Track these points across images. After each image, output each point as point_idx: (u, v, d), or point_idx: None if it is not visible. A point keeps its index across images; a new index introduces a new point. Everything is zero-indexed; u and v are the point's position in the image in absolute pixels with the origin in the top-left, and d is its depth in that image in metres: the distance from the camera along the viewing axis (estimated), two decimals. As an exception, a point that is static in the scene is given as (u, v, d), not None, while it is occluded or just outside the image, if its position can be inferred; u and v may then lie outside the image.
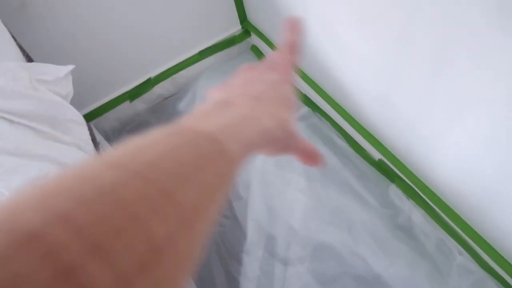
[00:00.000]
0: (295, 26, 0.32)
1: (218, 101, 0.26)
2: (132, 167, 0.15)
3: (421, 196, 0.94)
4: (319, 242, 0.96)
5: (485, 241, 0.83)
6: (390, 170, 1.00)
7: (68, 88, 0.75)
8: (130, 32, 1.15)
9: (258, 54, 1.38)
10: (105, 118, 1.25)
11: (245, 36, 1.38)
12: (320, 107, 1.19)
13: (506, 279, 0.83)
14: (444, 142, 0.80)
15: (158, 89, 1.32)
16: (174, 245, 0.14)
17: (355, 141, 1.09)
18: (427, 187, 0.92)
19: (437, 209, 0.91)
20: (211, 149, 0.19)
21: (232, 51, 1.39)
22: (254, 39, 1.38)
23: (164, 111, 1.30)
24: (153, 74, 1.29)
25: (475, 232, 0.85)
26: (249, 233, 1.00)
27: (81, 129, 0.76)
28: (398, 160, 0.96)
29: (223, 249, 0.99)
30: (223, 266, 0.97)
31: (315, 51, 1.02)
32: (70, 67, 0.75)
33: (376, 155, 1.03)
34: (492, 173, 0.74)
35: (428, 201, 0.92)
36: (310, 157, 0.30)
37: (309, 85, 1.16)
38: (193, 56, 1.33)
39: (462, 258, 0.89)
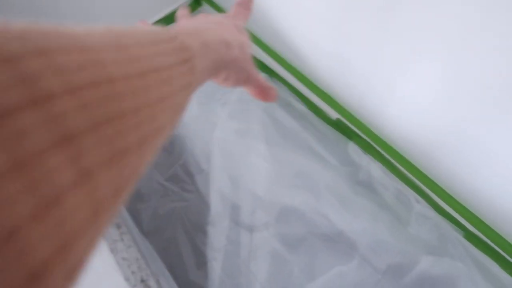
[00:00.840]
0: None
1: (184, 21, 0.29)
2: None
3: (378, 151, 0.95)
4: (283, 206, 0.97)
5: (439, 187, 0.86)
6: (348, 128, 1.01)
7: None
8: (70, 16, 1.08)
9: (211, 23, 1.33)
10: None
11: (196, 6, 1.33)
12: (277, 72, 1.17)
13: (460, 220, 0.86)
14: (396, 94, 0.81)
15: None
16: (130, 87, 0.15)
17: (313, 103, 1.09)
18: (383, 141, 0.93)
19: (393, 161, 0.93)
20: (171, 41, 0.20)
21: (184, 23, 1.34)
22: (206, 8, 1.33)
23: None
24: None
25: (430, 180, 0.87)
26: (213, 205, 1.00)
27: None
28: (355, 118, 0.97)
29: (188, 224, 0.99)
30: (189, 240, 0.96)
31: (268, 16, 1.00)
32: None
33: (334, 114, 1.04)
34: (442, 120, 0.75)
35: (385, 154, 0.94)
36: (265, 91, 0.33)
37: (265, 51, 1.13)
38: (143, 31, 1.27)
39: (419, 206, 0.91)
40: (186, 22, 0.28)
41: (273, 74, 1.18)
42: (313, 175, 0.99)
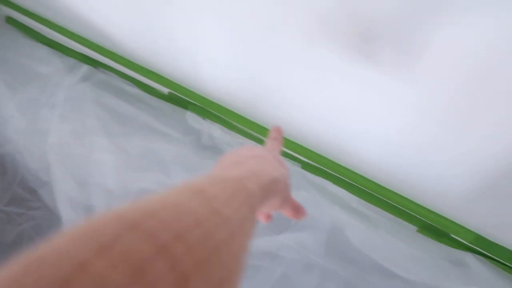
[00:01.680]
0: (279, 132, 0.45)
1: (232, 161, 0.32)
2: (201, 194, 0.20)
3: (212, 113, 0.99)
4: (137, 191, 0.96)
5: (266, 129, 0.93)
6: (181, 99, 1.02)
7: None
8: None
9: (17, 25, 1.20)
10: None
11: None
12: (101, 61, 1.12)
13: (295, 155, 0.95)
14: (199, 57, 0.84)
15: None
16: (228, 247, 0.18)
17: (143, 83, 1.07)
18: (214, 103, 0.96)
19: (227, 119, 0.97)
20: (242, 190, 0.24)
21: (-16, 30, 1.19)
22: (4, 10, 1.19)
23: None
24: None
25: (262, 127, 0.94)
26: (63, 214, 0.94)
27: None
28: (183, 87, 0.98)
29: (41, 242, 0.92)
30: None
31: (85, 13, 0.93)
32: None
33: (165, 89, 1.04)
34: (247, 72, 0.80)
35: (219, 114, 0.98)
36: (298, 210, 0.38)
37: (84, 44, 1.07)
38: None
39: (260, 152, 0.98)
40: (236, 163, 0.31)
41: (98, 63, 1.13)
42: (159, 153, 0.99)
